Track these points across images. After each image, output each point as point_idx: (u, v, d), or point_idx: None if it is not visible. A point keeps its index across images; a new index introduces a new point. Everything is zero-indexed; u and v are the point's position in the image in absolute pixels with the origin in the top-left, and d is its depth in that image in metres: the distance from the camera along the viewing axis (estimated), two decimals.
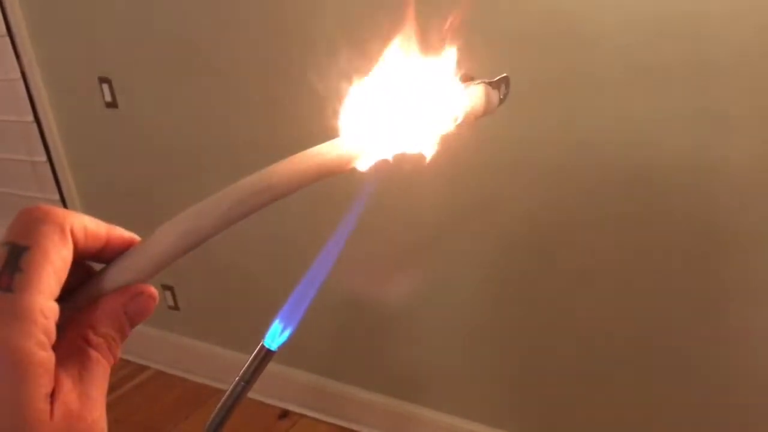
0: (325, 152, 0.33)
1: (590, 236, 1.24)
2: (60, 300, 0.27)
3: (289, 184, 0.31)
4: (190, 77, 1.61)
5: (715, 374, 1.21)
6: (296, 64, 1.42)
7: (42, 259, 0.27)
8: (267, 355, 0.34)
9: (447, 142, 0.36)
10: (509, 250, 1.36)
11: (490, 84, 0.39)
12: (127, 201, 1.88)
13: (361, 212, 0.34)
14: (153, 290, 0.31)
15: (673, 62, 1.06)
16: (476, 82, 0.38)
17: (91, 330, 0.29)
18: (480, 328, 1.46)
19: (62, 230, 0.28)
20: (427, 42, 0.36)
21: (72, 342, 0.28)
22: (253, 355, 0.34)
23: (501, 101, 0.39)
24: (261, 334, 0.35)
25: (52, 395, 0.26)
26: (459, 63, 0.37)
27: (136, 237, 0.32)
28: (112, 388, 2.04)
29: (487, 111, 0.39)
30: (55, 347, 0.27)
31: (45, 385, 0.26)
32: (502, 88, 0.39)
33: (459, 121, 0.36)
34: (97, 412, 0.27)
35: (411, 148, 0.36)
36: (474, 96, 0.38)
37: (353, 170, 0.34)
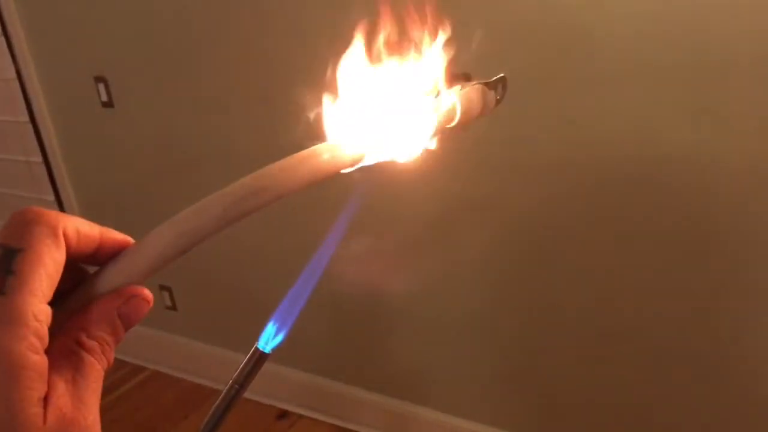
0: (321, 153, 0.32)
1: (590, 234, 1.24)
2: (53, 303, 0.27)
3: (286, 186, 0.31)
4: (186, 77, 1.60)
5: (716, 373, 1.21)
6: (295, 64, 1.41)
7: (34, 261, 0.26)
8: (261, 357, 0.34)
9: (445, 142, 0.36)
10: (509, 248, 1.36)
11: (486, 84, 0.38)
12: (124, 201, 1.88)
13: (353, 216, 0.34)
14: (147, 292, 0.31)
15: (673, 62, 1.06)
16: (473, 83, 0.38)
17: (84, 333, 0.29)
18: (479, 327, 1.46)
19: (55, 233, 0.28)
20: (414, 41, 0.35)
21: (65, 345, 0.28)
22: (246, 357, 0.34)
23: (498, 102, 0.39)
24: (258, 334, 0.34)
25: (45, 399, 0.26)
26: (452, 62, 0.36)
27: (130, 239, 0.31)
28: (110, 389, 2.05)
29: (484, 112, 0.38)
30: (48, 351, 0.26)
31: (37, 389, 0.25)
32: (499, 88, 0.39)
33: (454, 122, 0.36)
34: (91, 416, 0.27)
35: (399, 153, 0.35)
36: (470, 97, 0.37)
37: (349, 173, 0.34)
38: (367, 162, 0.34)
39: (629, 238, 1.21)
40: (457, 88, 0.37)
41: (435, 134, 0.36)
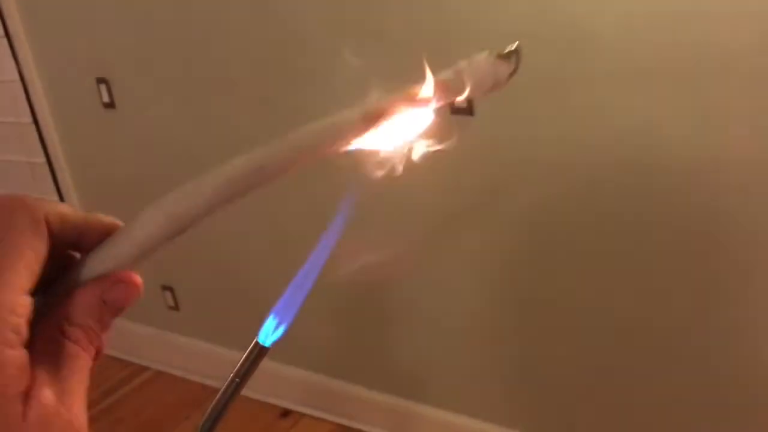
0: (318, 131, 0.31)
1: (591, 233, 1.24)
2: (38, 292, 0.27)
3: (281, 164, 0.30)
4: (187, 77, 1.60)
5: (716, 371, 1.21)
6: (295, 63, 1.42)
7: (12, 252, 0.26)
8: (261, 351, 0.33)
9: (444, 142, 0.35)
10: (511, 246, 1.36)
11: (499, 56, 0.35)
12: (126, 201, 1.88)
13: (352, 211, 0.33)
14: (134, 277, 0.29)
15: (673, 61, 1.06)
16: (484, 52, 0.35)
17: (66, 322, 0.28)
18: (481, 325, 1.46)
19: (35, 220, 0.27)
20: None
21: (48, 335, 0.27)
22: (247, 351, 0.33)
23: (511, 75, 0.35)
24: None
25: (27, 394, 0.25)
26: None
27: (119, 222, 0.30)
28: (113, 390, 2.05)
29: (496, 86, 0.35)
30: (31, 342, 0.26)
31: (15, 385, 0.24)
32: (513, 59, 0.35)
33: (464, 95, 0.33)
34: (76, 406, 0.26)
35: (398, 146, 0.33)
36: (481, 69, 0.34)
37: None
38: (365, 142, 0.32)
39: (630, 237, 1.21)
40: (464, 61, 0.34)
41: (440, 104, 0.33)
